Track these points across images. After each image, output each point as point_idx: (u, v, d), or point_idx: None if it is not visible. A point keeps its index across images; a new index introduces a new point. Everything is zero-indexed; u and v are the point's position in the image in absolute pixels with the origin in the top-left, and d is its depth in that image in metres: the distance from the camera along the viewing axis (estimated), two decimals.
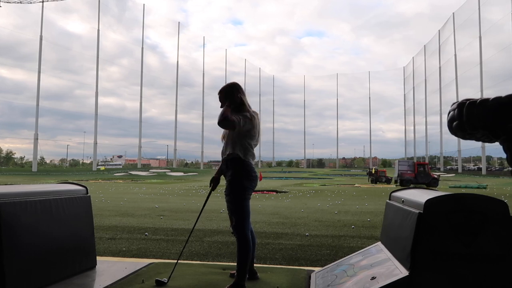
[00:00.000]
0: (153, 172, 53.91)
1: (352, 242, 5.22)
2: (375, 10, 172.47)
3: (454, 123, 1.88)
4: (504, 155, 1.84)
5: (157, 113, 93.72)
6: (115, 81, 77.11)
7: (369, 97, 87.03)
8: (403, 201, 2.63)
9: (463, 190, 21.43)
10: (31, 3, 41.32)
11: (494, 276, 1.99)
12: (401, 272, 2.15)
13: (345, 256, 3.41)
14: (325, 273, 3.08)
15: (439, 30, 63.63)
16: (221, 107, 2.99)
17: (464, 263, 2.01)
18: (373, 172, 36.75)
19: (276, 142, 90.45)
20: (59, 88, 66.38)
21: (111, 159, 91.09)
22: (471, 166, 66.26)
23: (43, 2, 43.61)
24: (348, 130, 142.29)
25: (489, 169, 56.69)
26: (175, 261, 3.30)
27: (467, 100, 1.84)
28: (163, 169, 61.96)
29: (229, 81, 3.15)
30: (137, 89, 61.32)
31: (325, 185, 29.56)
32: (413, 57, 76.73)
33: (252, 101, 3.06)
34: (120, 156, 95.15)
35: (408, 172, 28.45)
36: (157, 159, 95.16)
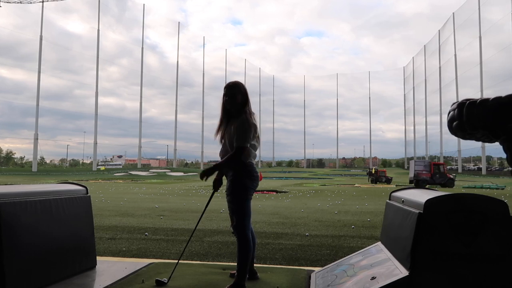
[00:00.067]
0: (153, 172, 53.94)
1: (352, 242, 5.22)
2: (375, 10, 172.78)
3: (454, 123, 1.88)
4: (504, 155, 1.84)
5: (157, 113, 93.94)
6: (115, 81, 77.29)
7: (369, 97, 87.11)
8: (403, 201, 2.63)
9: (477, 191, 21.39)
10: (31, 3, 41.38)
11: (494, 276, 1.99)
12: (401, 272, 2.15)
13: (345, 256, 3.41)
14: (325, 273, 3.08)
15: (439, 30, 63.64)
16: (227, 102, 2.95)
17: (464, 263, 2.01)
18: (373, 172, 36.78)
19: (276, 142, 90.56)
20: (59, 88, 66.57)
21: (111, 159, 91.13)
22: (471, 166, 66.28)
23: (43, 2, 43.64)
24: (348, 130, 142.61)
25: (489, 169, 56.70)
26: (175, 261, 3.30)
27: (467, 100, 1.85)
28: (163, 169, 62.01)
29: (229, 81, 3.13)
30: (137, 89, 61.42)
31: (325, 185, 29.56)
32: (413, 57, 76.73)
33: (252, 101, 3.04)
34: (120, 156, 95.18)
35: (424, 172, 28.32)
36: (157, 159, 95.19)
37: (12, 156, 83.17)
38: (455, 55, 57.15)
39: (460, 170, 55.02)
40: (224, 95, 2.97)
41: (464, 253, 2.01)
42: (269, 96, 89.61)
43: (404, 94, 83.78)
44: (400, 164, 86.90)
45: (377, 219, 7.54)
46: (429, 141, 67.49)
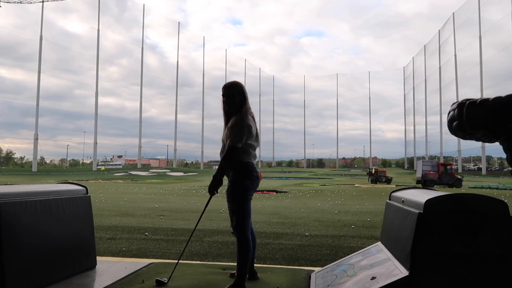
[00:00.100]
0: (153, 172, 53.93)
1: (352, 242, 5.22)
2: (375, 10, 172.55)
3: (454, 123, 1.88)
4: (504, 155, 1.84)
5: (157, 113, 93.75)
6: (114, 81, 77.14)
7: (369, 97, 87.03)
8: (403, 201, 2.63)
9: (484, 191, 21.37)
10: (31, 3, 41.35)
11: (494, 276, 1.99)
12: (401, 272, 2.15)
13: (345, 256, 3.41)
14: (325, 273, 3.08)
15: (439, 30, 63.59)
16: (225, 102, 2.96)
17: (464, 263, 2.01)
18: (373, 172, 36.81)
19: (276, 142, 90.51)
20: (59, 88, 66.45)
21: (111, 159, 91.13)
22: (471, 166, 66.25)
23: (43, 2, 43.62)
24: (348, 130, 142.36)
25: (489, 169, 56.69)
26: (175, 261, 3.30)
27: (467, 100, 1.85)
28: (163, 169, 61.98)
29: (229, 81, 3.13)
30: (137, 89, 61.37)
31: (325, 185, 29.57)
32: (413, 57, 76.67)
33: (252, 101, 3.05)
34: (120, 156, 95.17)
35: (432, 172, 28.33)
36: (157, 159, 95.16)
37: (12, 156, 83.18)
38: (455, 55, 57.12)
39: (460, 170, 55.01)
40: (222, 95, 2.99)
41: (464, 253, 2.01)
42: (269, 96, 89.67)
43: (404, 94, 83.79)
44: (400, 164, 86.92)
45: (377, 219, 7.54)
46: (429, 141, 67.51)
